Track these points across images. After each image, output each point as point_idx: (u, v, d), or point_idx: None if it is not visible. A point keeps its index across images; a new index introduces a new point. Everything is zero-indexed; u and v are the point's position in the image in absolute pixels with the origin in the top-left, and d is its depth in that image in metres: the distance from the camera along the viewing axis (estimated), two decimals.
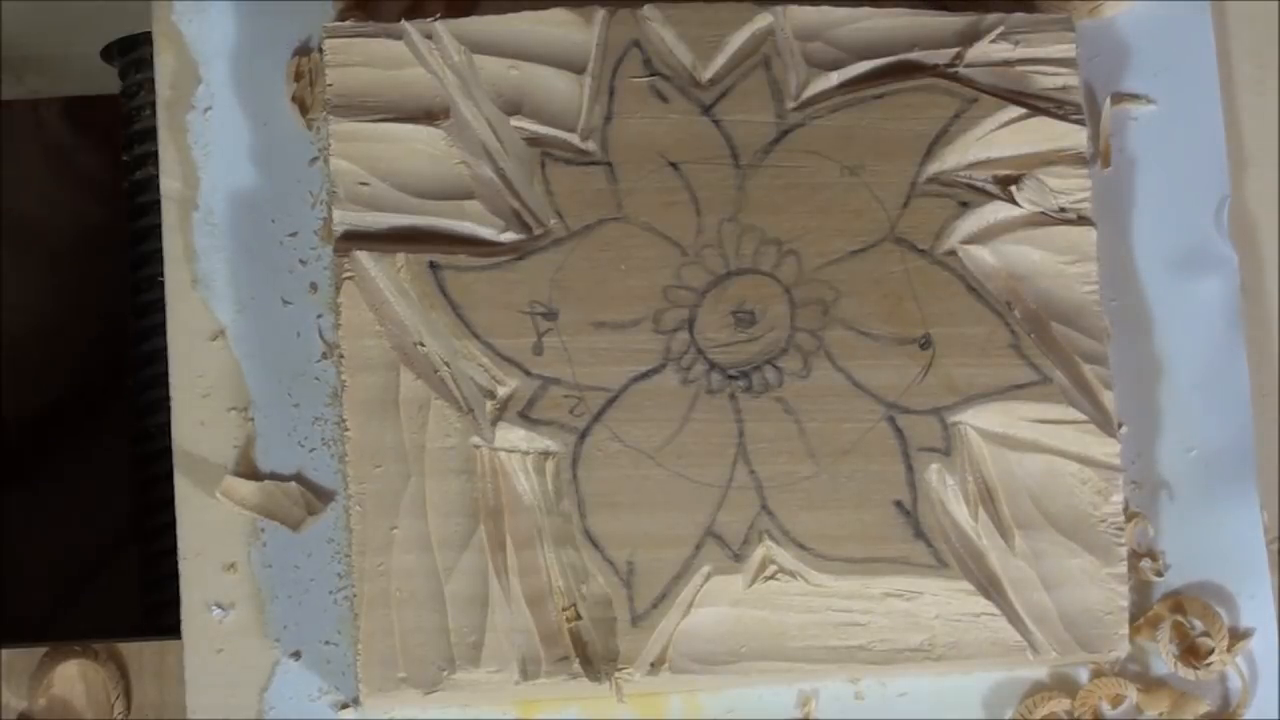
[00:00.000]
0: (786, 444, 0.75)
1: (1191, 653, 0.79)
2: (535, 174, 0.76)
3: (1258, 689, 0.79)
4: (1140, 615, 0.79)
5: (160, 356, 0.80)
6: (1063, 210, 0.78)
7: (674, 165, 0.76)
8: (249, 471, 0.78)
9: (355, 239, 0.75)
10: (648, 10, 0.77)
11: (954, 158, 0.77)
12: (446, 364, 0.75)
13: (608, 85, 0.77)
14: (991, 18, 0.78)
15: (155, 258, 0.81)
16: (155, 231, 0.81)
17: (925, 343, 0.76)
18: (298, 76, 0.80)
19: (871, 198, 0.77)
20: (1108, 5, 0.82)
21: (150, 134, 0.84)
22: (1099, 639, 0.75)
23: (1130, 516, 0.79)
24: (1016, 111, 0.78)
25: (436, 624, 0.74)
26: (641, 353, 0.75)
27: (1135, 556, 0.79)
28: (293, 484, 0.78)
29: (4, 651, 0.78)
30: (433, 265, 0.75)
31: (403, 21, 0.77)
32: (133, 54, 0.92)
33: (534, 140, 0.76)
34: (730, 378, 0.75)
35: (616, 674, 0.74)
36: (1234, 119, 0.83)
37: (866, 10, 0.78)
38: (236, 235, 0.79)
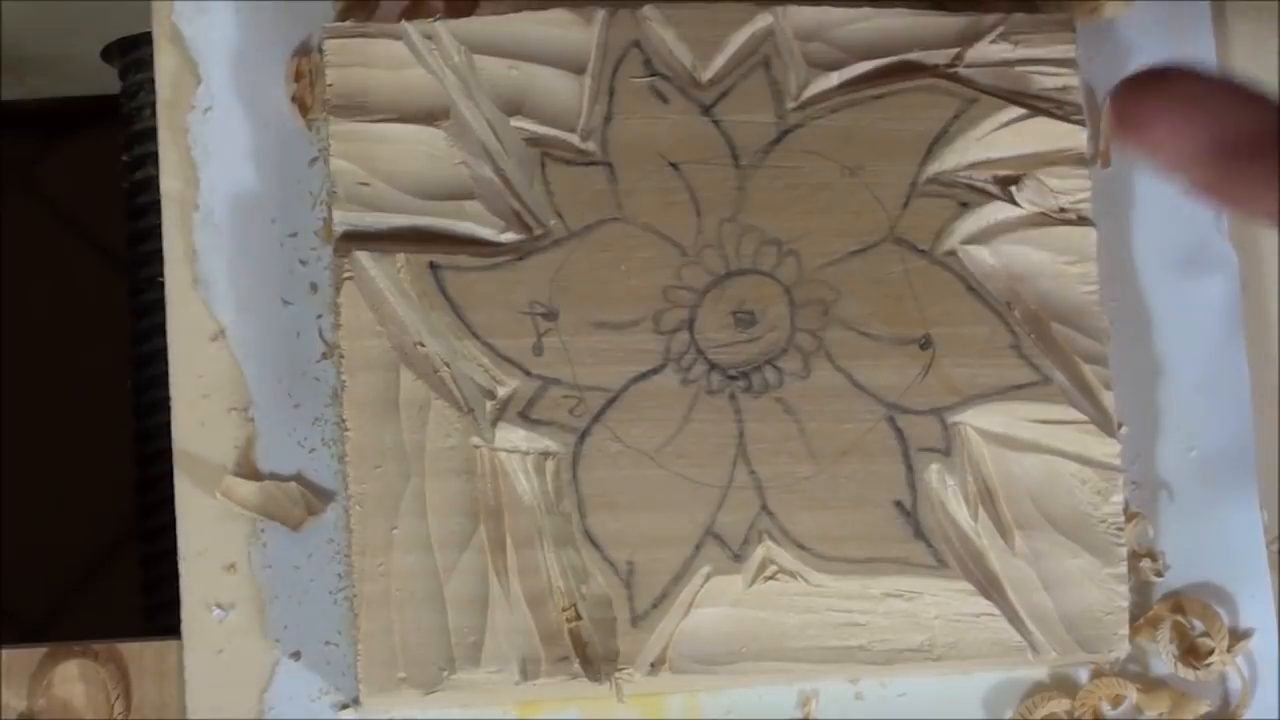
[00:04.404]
0: (786, 444, 0.75)
1: (1191, 653, 0.79)
2: (535, 174, 0.76)
3: (1258, 689, 0.79)
4: (1140, 615, 0.79)
5: (160, 356, 0.80)
6: (1063, 210, 0.78)
7: (674, 165, 0.76)
8: (249, 471, 0.78)
9: (355, 239, 0.75)
10: (648, 10, 0.77)
11: (954, 158, 0.77)
12: (446, 364, 0.75)
13: (608, 85, 0.77)
14: (991, 18, 0.78)
15: (155, 258, 0.81)
16: (155, 231, 0.81)
17: (925, 343, 0.76)
18: (298, 76, 0.80)
19: (871, 198, 0.77)
20: (1108, 6, 0.82)
21: (150, 134, 0.84)
22: (1099, 639, 0.75)
23: (1130, 516, 0.79)
24: (1016, 112, 0.78)
25: (436, 624, 0.74)
26: (641, 353, 0.75)
27: (1135, 556, 0.79)
28: (293, 484, 0.78)
29: (4, 651, 0.78)
30: (433, 265, 0.75)
31: (403, 22, 0.77)
32: (133, 54, 0.92)
33: (534, 140, 0.76)
34: (730, 378, 0.75)
35: (616, 674, 0.74)
36: None
37: (866, 10, 0.78)
38: (236, 235, 0.79)
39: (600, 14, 0.77)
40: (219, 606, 0.78)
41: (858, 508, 0.75)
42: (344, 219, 0.76)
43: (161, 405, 0.80)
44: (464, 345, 0.75)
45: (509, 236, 0.76)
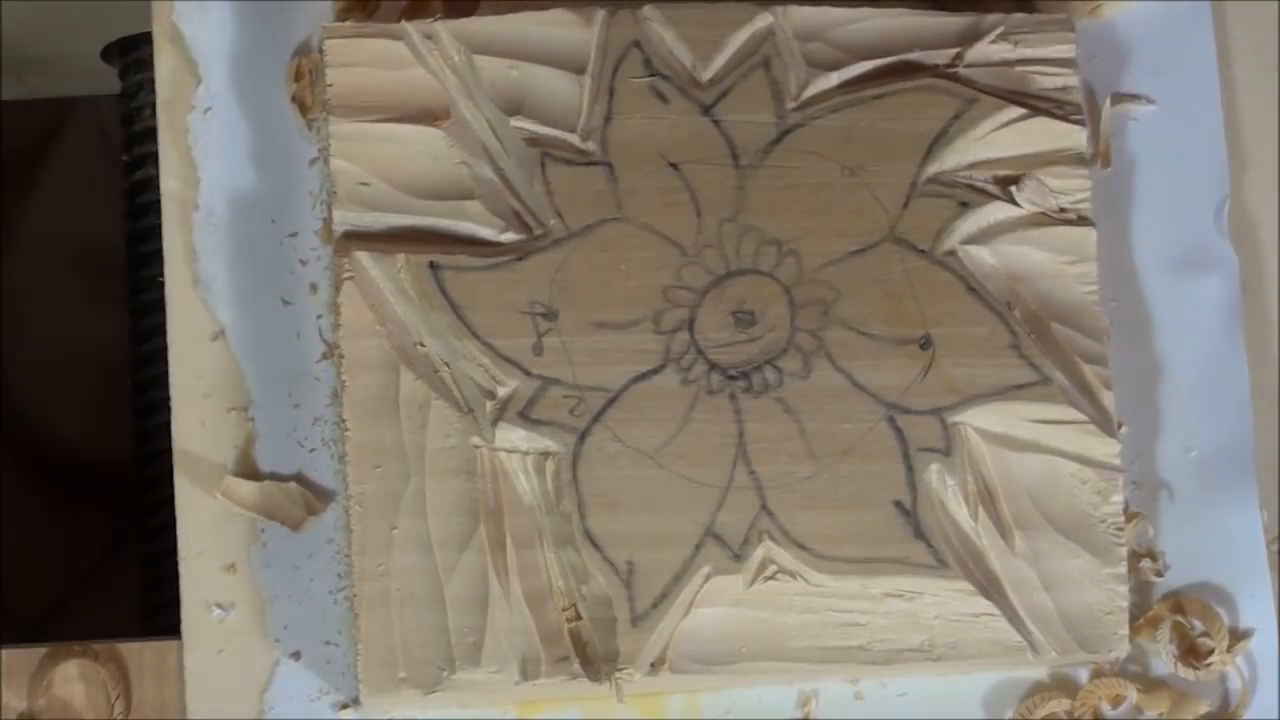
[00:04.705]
0: (786, 444, 0.75)
1: (1191, 653, 0.79)
2: (535, 174, 0.76)
3: (1258, 689, 0.79)
4: (1140, 615, 0.79)
5: (160, 356, 0.80)
6: (1063, 210, 0.78)
7: (674, 165, 0.76)
8: (249, 471, 0.78)
9: (355, 239, 0.75)
10: (648, 10, 0.77)
11: (954, 158, 0.77)
12: (446, 364, 0.75)
13: (608, 85, 0.77)
14: (991, 18, 0.78)
15: (155, 258, 0.81)
16: (155, 231, 0.81)
17: (925, 343, 0.76)
18: (298, 76, 0.80)
19: (871, 198, 0.77)
20: (1108, 5, 0.82)
21: (150, 134, 0.84)
22: (1099, 639, 0.75)
23: (1130, 516, 0.79)
24: (1016, 112, 0.78)
25: (436, 624, 0.74)
26: (641, 353, 0.75)
27: (1135, 556, 0.79)
28: (293, 484, 0.78)
29: (4, 651, 0.78)
30: (433, 265, 0.75)
31: (403, 22, 0.77)
32: (133, 54, 0.92)
33: (534, 140, 0.76)
34: (730, 378, 0.75)
35: (616, 674, 0.74)
36: (1234, 119, 0.83)
37: (866, 10, 0.78)
38: (236, 235, 0.79)
39: (600, 14, 0.77)
40: (219, 606, 0.77)
41: (858, 508, 0.75)
42: (344, 219, 0.76)
43: (161, 405, 0.80)
44: (464, 345, 0.75)
45: (509, 236, 0.76)
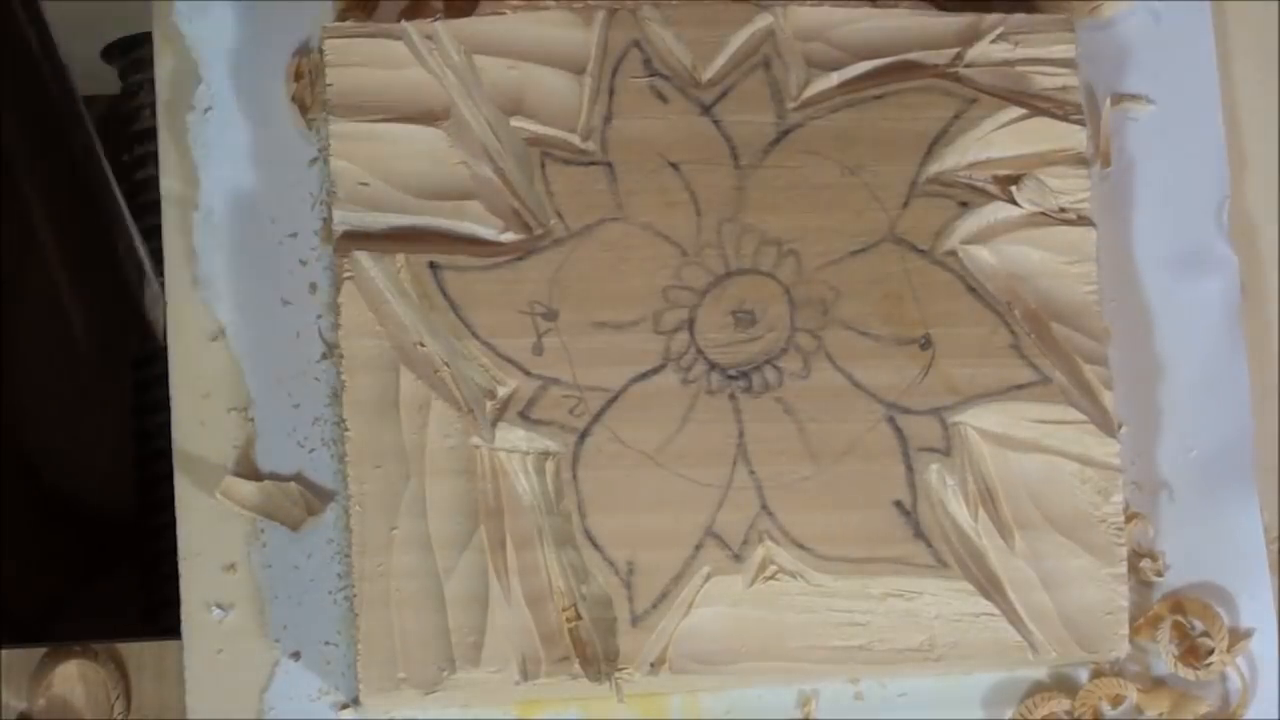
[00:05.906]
0: (786, 444, 0.75)
1: (1191, 653, 0.79)
2: (535, 174, 0.76)
3: (1258, 689, 0.79)
4: (1140, 615, 0.79)
5: (160, 356, 0.80)
6: (1063, 210, 0.78)
7: (674, 165, 0.76)
8: (249, 471, 0.78)
9: (355, 239, 0.75)
10: (648, 10, 0.77)
11: (954, 158, 0.77)
12: (446, 364, 0.75)
13: (608, 85, 0.77)
14: (991, 18, 0.78)
15: (155, 258, 0.81)
16: (155, 231, 0.81)
17: (925, 343, 0.76)
18: (298, 76, 0.80)
19: (871, 198, 0.77)
20: (1108, 5, 0.82)
21: (150, 134, 0.84)
22: (1099, 639, 0.75)
23: (1130, 516, 0.79)
24: (1016, 112, 0.78)
25: (436, 624, 0.74)
26: (641, 353, 0.75)
27: (1135, 556, 0.79)
28: (293, 484, 0.78)
29: (4, 651, 0.78)
30: (433, 265, 0.75)
31: (402, 22, 0.77)
32: (133, 54, 0.92)
33: (534, 140, 0.76)
34: (730, 378, 0.75)
35: (616, 674, 0.74)
36: (1234, 119, 0.83)
37: (866, 10, 0.78)
38: (236, 235, 0.79)
39: (600, 14, 0.77)
40: (219, 606, 0.77)
41: (858, 508, 0.75)
42: (344, 219, 0.76)
43: (161, 405, 0.80)
44: (464, 345, 0.75)
45: (509, 236, 0.76)
